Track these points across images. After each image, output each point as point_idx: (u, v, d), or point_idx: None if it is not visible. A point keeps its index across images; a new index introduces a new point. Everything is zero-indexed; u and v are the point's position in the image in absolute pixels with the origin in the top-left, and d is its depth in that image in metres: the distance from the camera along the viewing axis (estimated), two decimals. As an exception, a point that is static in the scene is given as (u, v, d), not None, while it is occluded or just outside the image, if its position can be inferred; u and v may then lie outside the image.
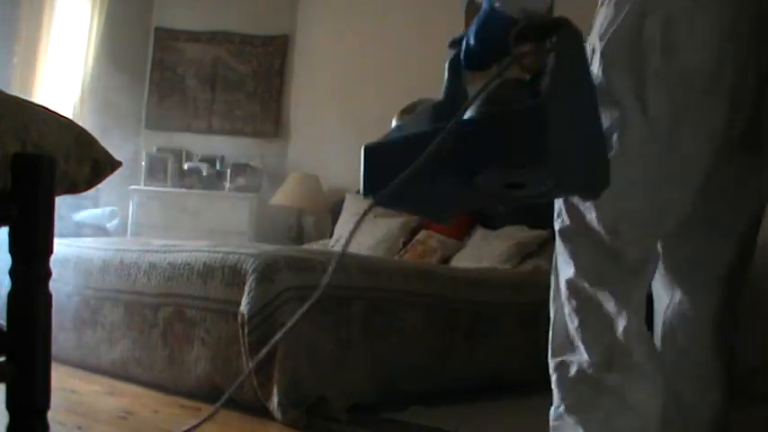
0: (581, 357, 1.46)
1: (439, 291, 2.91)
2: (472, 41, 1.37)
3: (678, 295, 1.65)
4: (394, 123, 1.40)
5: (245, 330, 2.33)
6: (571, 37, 1.28)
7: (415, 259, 3.94)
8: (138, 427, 2.16)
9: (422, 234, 4.20)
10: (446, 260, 3.94)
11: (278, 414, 2.26)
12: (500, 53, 1.33)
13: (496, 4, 1.31)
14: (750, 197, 1.57)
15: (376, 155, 1.36)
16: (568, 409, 1.47)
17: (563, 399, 1.48)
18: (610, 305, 1.44)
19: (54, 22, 4.87)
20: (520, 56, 1.29)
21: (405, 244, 4.23)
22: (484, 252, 3.83)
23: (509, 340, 3.10)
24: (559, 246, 1.52)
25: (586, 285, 1.47)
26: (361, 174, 1.36)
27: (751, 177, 1.54)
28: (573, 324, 1.48)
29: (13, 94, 1.22)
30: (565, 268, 1.50)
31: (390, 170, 1.29)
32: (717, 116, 1.41)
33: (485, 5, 1.35)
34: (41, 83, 4.77)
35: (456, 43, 1.41)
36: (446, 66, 1.40)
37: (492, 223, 4.08)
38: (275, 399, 2.28)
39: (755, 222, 1.61)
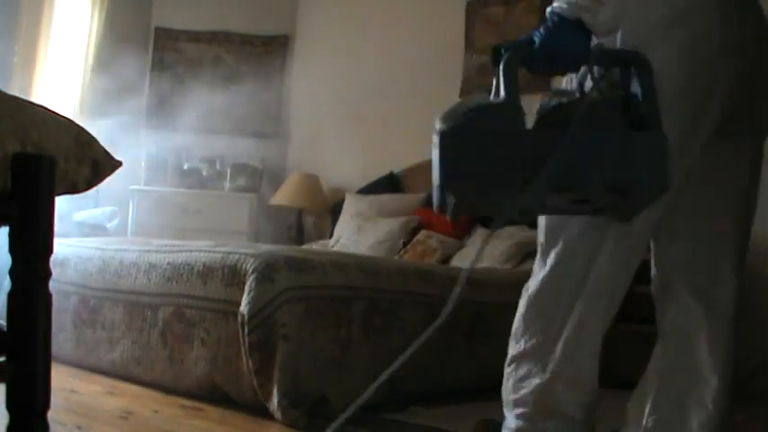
0: (521, 354, 1.68)
1: (439, 291, 2.91)
2: (546, 49, 1.41)
3: (677, 296, 1.67)
4: (438, 126, 1.41)
5: (245, 330, 2.33)
6: (651, 72, 1.40)
7: (415, 259, 3.94)
8: (138, 427, 2.16)
9: (422, 234, 4.20)
10: (446, 260, 3.94)
11: (278, 414, 2.26)
12: (570, 66, 1.43)
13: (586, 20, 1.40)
14: (739, 179, 1.65)
15: (456, 144, 1.35)
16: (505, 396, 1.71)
17: (507, 379, 1.70)
18: (551, 323, 1.63)
19: (54, 21, 4.87)
20: (601, 78, 1.39)
21: (405, 244, 4.23)
22: (484, 252, 3.83)
23: (509, 340, 3.09)
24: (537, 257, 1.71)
25: (544, 297, 1.67)
26: (438, 159, 1.35)
27: (737, 163, 1.63)
28: (522, 326, 1.70)
29: (13, 94, 1.22)
30: (538, 274, 1.70)
31: (471, 162, 1.33)
32: (685, 120, 1.51)
33: (553, 17, 1.41)
34: (41, 82, 4.77)
35: (514, 47, 1.44)
36: (502, 65, 1.41)
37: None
38: (275, 399, 2.28)
39: (749, 208, 1.68)
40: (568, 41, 1.40)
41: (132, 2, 5.50)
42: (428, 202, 4.61)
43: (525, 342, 1.65)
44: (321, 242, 4.82)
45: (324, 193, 5.25)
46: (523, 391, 1.65)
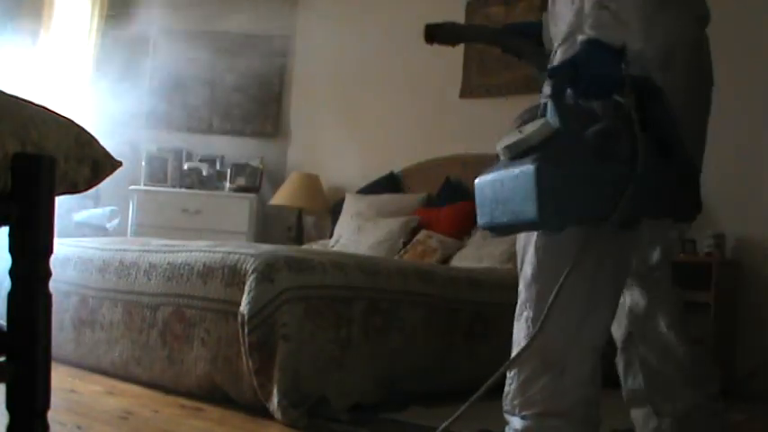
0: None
1: (439, 291, 2.91)
2: (592, 72, 1.49)
3: (636, 297, 1.84)
4: (504, 154, 1.49)
5: (245, 330, 2.33)
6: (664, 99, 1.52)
7: (415, 259, 3.94)
8: (138, 427, 2.16)
9: (422, 234, 4.20)
10: (446, 260, 3.94)
11: (278, 414, 2.26)
12: (608, 91, 1.50)
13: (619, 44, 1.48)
14: None
15: (555, 185, 1.42)
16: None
17: (509, 383, 1.74)
18: (556, 321, 1.67)
19: (54, 21, 4.87)
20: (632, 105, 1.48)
21: (405, 244, 4.23)
22: (484, 252, 3.83)
23: (509, 340, 3.09)
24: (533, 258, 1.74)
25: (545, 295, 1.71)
26: (536, 199, 1.40)
27: None
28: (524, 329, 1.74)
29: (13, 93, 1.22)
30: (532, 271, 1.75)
31: (566, 201, 1.42)
32: None
33: (588, 45, 1.48)
34: (41, 82, 4.77)
35: (558, 75, 1.51)
36: (552, 94, 1.48)
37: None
38: (275, 399, 2.28)
39: None
40: (611, 66, 1.48)
41: (132, 2, 5.50)
42: (428, 202, 4.61)
43: (528, 342, 1.66)
44: (321, 242, 4.82)
45: (324, 193, 5.25)
46: (530, 393, 1.65)
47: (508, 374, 1.72)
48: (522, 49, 1.93)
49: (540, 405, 1.64)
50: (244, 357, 2.36)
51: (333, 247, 4.49)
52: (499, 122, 4.61)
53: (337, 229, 4.75)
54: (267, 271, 2.39)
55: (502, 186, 1.48)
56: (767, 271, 3.61)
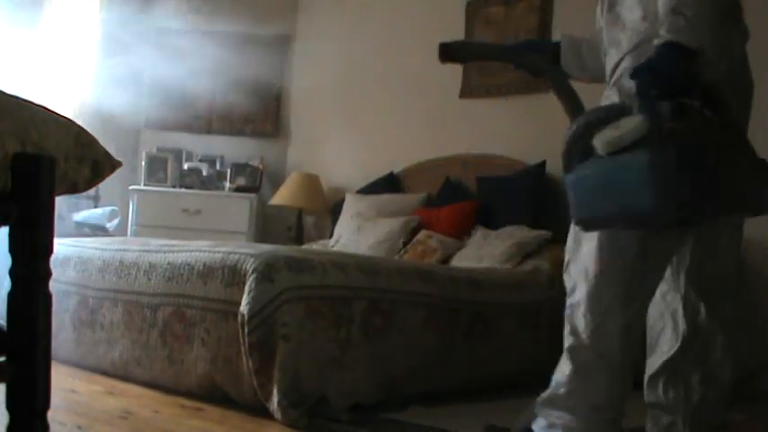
0: (580, 345, 1.76)
1: (439, 291, 2.91)
2: (666, 77, 1.53)
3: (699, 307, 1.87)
4: (607, 144, 1.53)
5: (245, 330, 2.33)
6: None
7: (415, 259, 3.94)
8: (139, 427, 2.16)
9: (422, 234, 4.19)
10: (446, 260, 3.94)
11: (278, 414, 2.26)
12: (680, 92, 1.54)
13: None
14: None
15: (667, 176, 1.47)
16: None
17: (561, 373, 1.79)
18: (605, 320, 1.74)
19: (54, 21, 4.86)
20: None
21: (405, 244, 4.22)
22: (484, 252, 3.82)
23: (509, 340, 3.10)
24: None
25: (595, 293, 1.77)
26: (651, 186, 1.45)
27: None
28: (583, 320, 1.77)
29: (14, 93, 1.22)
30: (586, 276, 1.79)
31: (674, 193, 1.46)
32: None
33: (664, 48, 1.54)
34: (42, 83, 4.76)
35: (640, 76, 1.56)
36: (640, 93, 1.54)
37: (493, 222, 4.08)
38: (275, 399, 2.28)
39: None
40: (685, 68, 1.53)
41: (132, 2, 5.50)
42: (428, 202, 4.61)
43: (584, 333, 1.73)
44: (321, 242, 4.82)
45: (324, 193, 5.25)
46: (582, 386, 1.72)
47: (558, 370, 1.77)
48: (537, 65, 1.97)
49: (593, 399, 1.72)
50: (244, 357, 2.36)
51: (333, 247, 4.49)
52: (499, 122, 4.62)
53: (337, 229, 4.75)
54: (267, 271, 2.39)
55: (611, 177, 1.52)
56: (767, 271, 3.61)
